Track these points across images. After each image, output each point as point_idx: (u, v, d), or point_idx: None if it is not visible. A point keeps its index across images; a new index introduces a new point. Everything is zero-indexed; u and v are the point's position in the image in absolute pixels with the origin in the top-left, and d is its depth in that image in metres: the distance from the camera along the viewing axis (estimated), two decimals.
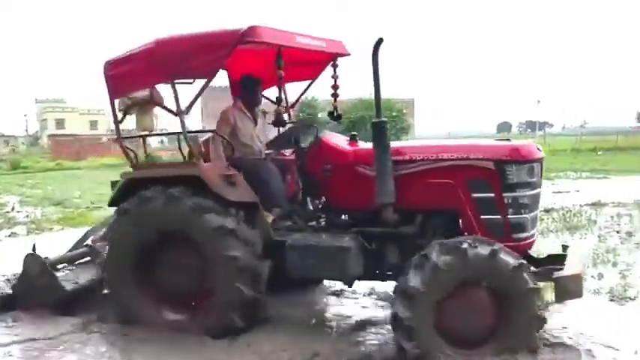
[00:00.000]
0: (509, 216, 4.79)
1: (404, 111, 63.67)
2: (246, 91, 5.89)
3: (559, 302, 4.96)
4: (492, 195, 4.79)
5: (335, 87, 6.13)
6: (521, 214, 4.80)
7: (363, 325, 5.45)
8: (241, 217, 5.05)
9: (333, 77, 6.07)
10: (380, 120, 4.90)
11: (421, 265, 4.29)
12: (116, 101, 5.62)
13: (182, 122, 5.24)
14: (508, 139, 5.50)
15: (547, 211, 11.74)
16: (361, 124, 57.70)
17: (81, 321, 5.63)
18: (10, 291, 5.95)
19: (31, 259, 5.83)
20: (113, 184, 5.86)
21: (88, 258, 6.36)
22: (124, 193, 5.37)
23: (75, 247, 6.45)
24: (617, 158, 30.64)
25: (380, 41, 4.80)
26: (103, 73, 5.40)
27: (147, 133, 6.10)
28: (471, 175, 4.84)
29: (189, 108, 5.28)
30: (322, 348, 4.88)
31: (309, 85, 6.41)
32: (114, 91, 5.47)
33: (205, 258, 5.03)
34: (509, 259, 4.28)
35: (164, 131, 9.22)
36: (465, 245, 4.28)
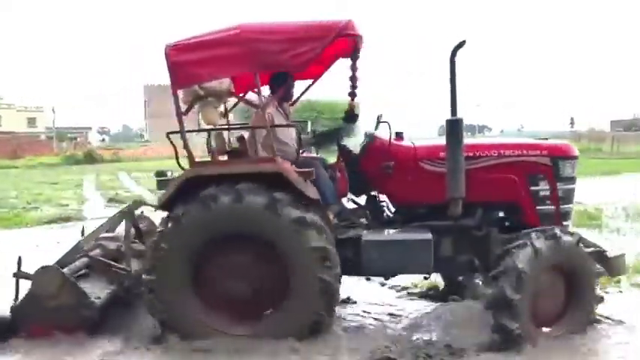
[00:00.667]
0: (560, 206, 5.35)
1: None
2: (279, 87, 5.57)
3: (612, 277, 5.68)
4: (547, 187, 5.32)
5: (353, 84, 5.74)
6: (568, 204, 5.45)
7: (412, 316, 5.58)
8: (318, 213, 4.86)
9: (351, 69, 5.62)
10: (455, 118, 5.03)
11: (521, 247, 4.71)
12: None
13: (263, 117, 5.00)
14: (546, 138, 5.84)
15: None
16: (306, 124, 58.10)
17: (118, 342, 4.89)
18: (7, 314, 4.97)
19: (48, 271, 4.94)
20: (159, 181, 5.66)
21: (84, 270, 5.51)
22: (180, 191, 4.84)
23: (67, 259, 5.37)
24: None
25: (462, 43, 4.93)
26: (165, 58, 4.81)
27: (212, 127, 5.60)
28: (530, 170, 5.32)
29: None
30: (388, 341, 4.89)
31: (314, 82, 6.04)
32: (180, 80, 4.91)
33: (282, 254, 4.74)
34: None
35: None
36: (559, 233, 4.79)
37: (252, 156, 5.17)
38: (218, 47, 4.81)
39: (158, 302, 4.79)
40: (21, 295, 5.06)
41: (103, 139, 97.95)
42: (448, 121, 5.06)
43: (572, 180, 5.44)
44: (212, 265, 4.87)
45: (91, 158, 41.72)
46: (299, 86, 6.02)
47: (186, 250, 4.76)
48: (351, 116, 5.64)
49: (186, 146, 4.97)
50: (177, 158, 5.16)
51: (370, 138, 5.56)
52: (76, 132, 76.33)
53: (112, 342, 4.89)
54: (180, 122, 4.97)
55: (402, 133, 5.61)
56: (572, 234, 4.96)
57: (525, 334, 4.62)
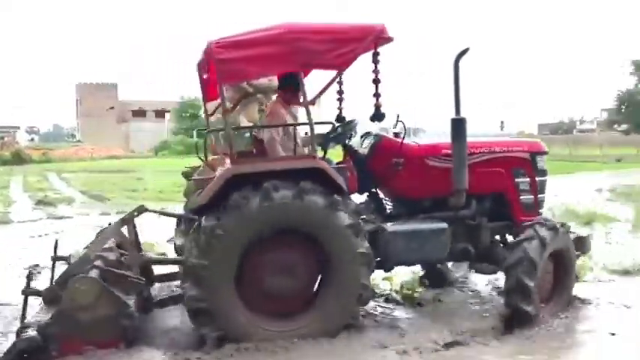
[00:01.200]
0: (538, 196, 6.04)
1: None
2: (290, 87, 5.59)
3: (583, 254, 6.30)
4: (528, 180, 5.99)
5: (376, 85, 5.49)
6: (543, 194, 6.16)
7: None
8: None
9: (374, 72, 5.42)
10: (459, 117, 5.49)
11: (530, 239, 5.35)
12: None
13: (308, 112, 5.04)
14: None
15: None
16: (191, 124, 57.67)
17: (164, 353, 4.67)
18: (34, 333, 4.48)
19: (85, 281, 4.61)
20: (186, 174, 5.71)
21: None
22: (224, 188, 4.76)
23: (76, 270, 4.94)
24: None
25: (465, 51, 5.40)
26: (210, 55, 4.88)
27: (254, 124, 5.64)
28: (514, 164, 5.98)
29: (315, 99, 5.15)
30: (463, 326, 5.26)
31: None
32: (226, 76, 4.98)
33: (331, 254, 4.90)
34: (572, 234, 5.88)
35: None
36: (557, 224, 5.56)
37: (274, 155, 5.25)
38: (263, 45, 4.87)
39: (201, 290, 4.67)
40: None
41: (32, 139, 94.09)
42: (453, 120, 5.51)
43: (545, 173, 6.17)
44: (257, 259, 4.88)
45: (18, 158, 40.13)
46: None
47: (239, 240, 4.74)
48: (377, 115, 5.55)
49: (230, 143, 4.88)
50: (205, 154, 5.27)
51: (379, 138, 5.93)
52: (3, 131, 73.17)
53: (159, 353, 4.69)
54: (226, 119, 4.97)
55: (399, 132, 5.92)
56: (563, 224, 5.71)
57: (537, 315, 5.31)
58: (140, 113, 69.69)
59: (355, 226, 4.89)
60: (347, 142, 5.82)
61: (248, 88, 5.40)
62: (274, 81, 5.40)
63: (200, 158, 5.46)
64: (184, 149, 53.99)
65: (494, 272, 6.05)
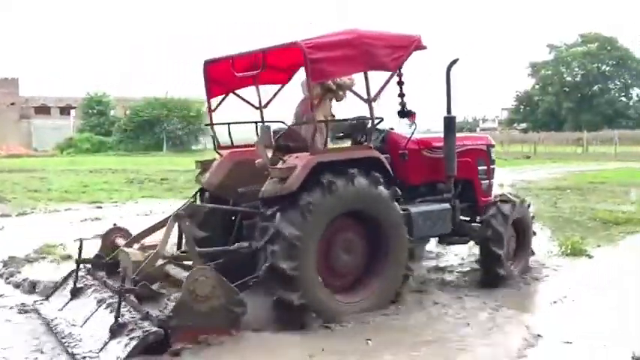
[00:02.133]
0: (491, 180, 7.34)
1: (202, 111, 63.05)
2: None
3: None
4: (485, 167, 7.26)
5: (400, 83, 6.52)
6: (493, 179, 7.45)
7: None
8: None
9: (398, 75, 6.33)
10: (450, 115, 6.65)
11: (496, 215, 6.75)
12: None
13: (371, 109, 5.77)
14: (392, 128, 7.12)
15: None
16: (156, 122, 56.35)
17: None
18: (157, 329, 4.58)
19: (202, 272, 4.82)
20: (200, 163, 6.41)
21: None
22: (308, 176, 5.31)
23: (148, 266, 5.19)
24: None
25: (456, 60, 6.57)
26: (303, 54, 5.31)
27: (327, 119, 6.17)
28: (478, 155, 7.22)
29: (376, 96, 5.80)
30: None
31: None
32: (316, 75, 5.50)
33: (387, 230, 5.75)
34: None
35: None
36: (514, 200, 6.99)
37: (312, 146, 5.62)
38: (343, 48, 5.54)
39: (293, 260, 5.14)
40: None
41: None
42: (445, 118, 6.65)
43: (494, 162, 7.54)
44: (331, 238, 5.56)
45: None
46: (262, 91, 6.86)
47: (325, 217, 5.38)
48: (404, 112, 6.61)
49: (314, 134, 5.49)
50: (274, 153, 5.72)
51: (387, 132, 6.80)
52: None
53: (270, 336, 5.03)
54: (314, 113, 5.62)
55: (392, 128, 6.90)
56: (523, 200, 7.22)
57: (508, 274, 6.76)
58: (44, 110, 66.28)
59: (401, 210, 5.86)
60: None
61: (332, 85, 6.13)
62: (352, 79, 6.14)
63: (217, 152, 6.42)
64: (91, 147, 52.07)
65: (465, 243, 7.33)
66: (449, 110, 6.70)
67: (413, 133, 6.71)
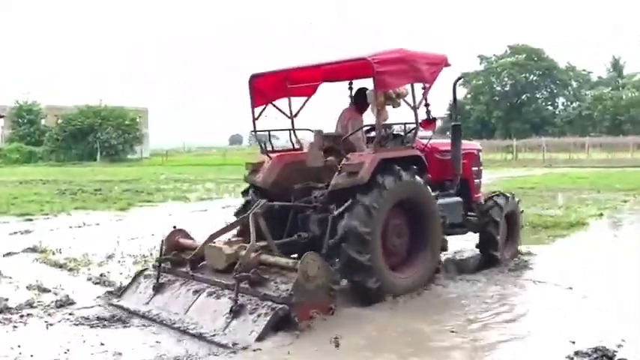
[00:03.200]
0: (480, 180, 8.65)
1: (137, 120, 61.92)
2: (360, 101, 7.60)
3: None
4: (477, 168, 8.49)
5: (426, 100, 7.20)
6: (481, 178, 8.72)
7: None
8: None
9: (424, 88, 7.04)
10: (457, 124, 7.93)
11: (493, 207, 7.98)
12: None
13: (416, 115, 6.83)
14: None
15: None
16: (90, 131, 54.87)
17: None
18: (281, 305, 5.31)
19: (311, 256, 5.58)
20: (250, 165, 7.28)
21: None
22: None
23: (246, 257, 5.88)
24: None
25: (460, 77, 7.91)
26: (371, 69, 6.23)
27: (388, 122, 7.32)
28: (472, 158, 8.35)
29: (419, 105, 6.88)
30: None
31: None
32: (380, 85, 6.52)
33: (427, 217, 6.73)
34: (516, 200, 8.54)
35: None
36: (508, 195, 8.34)
37: (360, 149, 6.93)
38: (397, 63, 6.52)
39: (366, 252, 6.02)
40: None
41: None
42: (453, 126, 7.92)
43: (482, 164, 8.84)
44: (387, 224, 6.43)
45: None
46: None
47: (382, 211, 6.21)
48: (429, 119, 7.37)
49: (381, 139, 6.58)
50: (339, 153, 6.72)
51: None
52: None
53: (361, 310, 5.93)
54: (379, 118, 6.85)
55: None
56: (514, 196, 8.49)
57: (502, 258, 7.93)
58: None
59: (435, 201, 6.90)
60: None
61: (392, 94, 7.16)
62: (407, 90, 7.01)
63: (267, 154, 7.28)
64: (21, 157, 50.18)
65: (464, 234, 8.15)
66: (455, 119, 8.18)
67: (430, 139, 7.73)
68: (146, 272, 6.70)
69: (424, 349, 5.09)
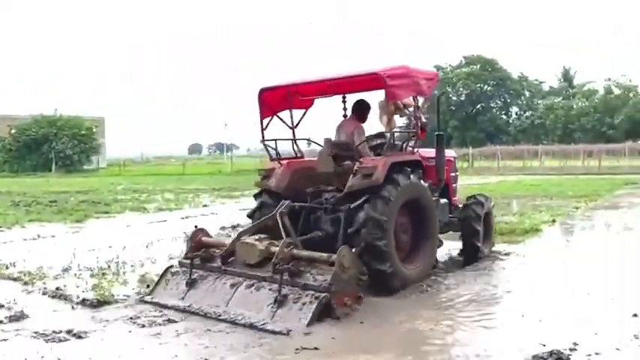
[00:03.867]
0: (457, 184, 9.52)
1: (94, 129, 60.76)
2: (360, 111, 8.18)
3: None
4: (454, 174, 9.43)
5: (437, 115, 8.74)
6: (457, 183, 9.60)
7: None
8: None
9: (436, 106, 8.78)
10: (441, 133, 8.45)
11: (475, 203, 8.96)
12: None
13: (417, 124, 7.72)
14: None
15: (234, 227, 12.67)
16: (45, 142, 53.62)
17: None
18: (324, 293, 5.91)
19: (346, 250, 6.19)
20: (262, 171, 8.01)
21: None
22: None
23: (281, 253, 6.33)
24: None
25: (443, 93, 10.45)
26: (384, 82, 7.04)
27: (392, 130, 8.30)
28: (450, 164, 9.09)
29: (420, 114, 7.92)
30: None
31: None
32: (391, 96, 7.43)
33: (426, 214, 7.52)
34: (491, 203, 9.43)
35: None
36: (487, 196, 9.39)
37: (367, 155, 7.62)
38: (403, 78, 7.33)
39: (385, 238, 6.72)
40: None
41: None
42: (437, 135, 8.40)
43: (457, 170, 9.82)
44: (396, 221, 7.08)
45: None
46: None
47: (395, 206, 6.92)
48: (423, 129, 8.13)
49: (391, 144, 7.53)
50: (346, 159, 7.58)
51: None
52: None
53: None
54: (390, 126, 8.12)
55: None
56: (488, 198, 9.32)
57: (482, 251, 8.85)
58: None
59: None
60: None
61: (400, 104, 7.90)
62: (412, 101, 7.86)
63: (278, 161, 7.93)
64: None
65: (445, 232, 8.65)
66: (439, 129, 8.69)
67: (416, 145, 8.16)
68: (172, 269, 7.08)
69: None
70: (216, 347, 5.25)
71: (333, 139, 8.06)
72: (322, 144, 7.93)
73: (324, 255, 6.30)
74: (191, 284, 6.67)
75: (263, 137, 8.01)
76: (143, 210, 17.82)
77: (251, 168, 49.20)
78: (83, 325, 5.96)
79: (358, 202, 6.85)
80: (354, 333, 5.64)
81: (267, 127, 8.03)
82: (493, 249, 9.43)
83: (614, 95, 69.94)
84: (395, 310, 6.29)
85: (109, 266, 8.71)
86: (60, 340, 5.55)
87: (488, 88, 79.55)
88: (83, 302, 6.75)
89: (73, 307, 6.62)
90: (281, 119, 8.26)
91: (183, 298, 6.55)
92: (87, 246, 10.62)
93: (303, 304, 5.86)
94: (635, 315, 5.90)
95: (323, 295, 5.87)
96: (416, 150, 7.80)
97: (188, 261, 6.92)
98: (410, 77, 7.41)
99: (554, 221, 13.34)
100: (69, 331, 5.75)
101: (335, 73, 7.84)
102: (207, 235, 7.40)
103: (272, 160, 8.00)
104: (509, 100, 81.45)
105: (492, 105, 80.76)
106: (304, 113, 8.55)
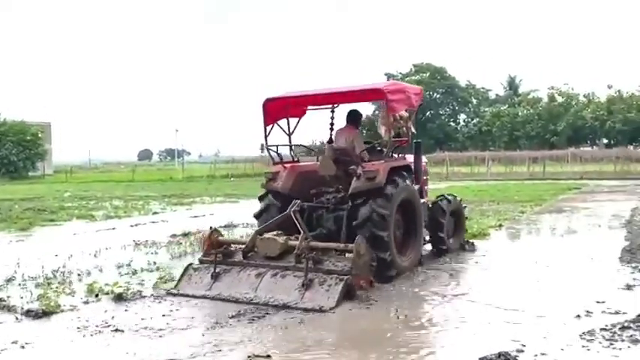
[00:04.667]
0: (428, 187, 10.47)
1: (39, 135, 59.00)
2: (354, 120, 9.27)
3: None
4: (426, 178, 10.26)
5: (416, 125, 9.20)
6: (427, 186, 10.51)
7: None
8: None
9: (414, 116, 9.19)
10: (419, 141, 9.55)
11: (442, 200, 9.93)
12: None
13: (409, 133, 8.71)
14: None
15: (185, 234, 12.56)
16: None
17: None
18: (347, 276, 6.78)
19: (361, 240, 7.02)
20: (268, 174, 8.79)
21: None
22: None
23: (300, 247, 7.23)
24: (246, 184, 34.02)
25: (421, 104, 9.64)
26: (384, 96, 8.11)
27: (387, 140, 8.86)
28: (425, 170, 10.07)
29: (415, 126, 8.96)
30: None
31: None
32: (391, 109, 8.21)
33: (416, 212, 8.58)
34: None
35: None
36: (455, 196, 10.41)
37: (357, 160, 8.37)
38: (399, 93, 8.44)
39: (386, 230, 7.71)
40: None
41: None
42: (415, 143, 9.32)
43: (428, 174, 10.73)
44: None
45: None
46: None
47: (394, 203, 7.91)
48: (418, 144, 9.52)
49: (391, 152, 8.49)
50: (346, 163, 8.37)
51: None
52: None
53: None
54: (390, 135, 8.47)
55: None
56: (456, 197, 10.36)
57: (451, 244, 9.94)
58: None
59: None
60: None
61: (398, 117, 8.42)
62: (407, 113, 8.57)
63: (283, 165, 8.78)
64: None
65: None
66: (417, 137, 9.49)
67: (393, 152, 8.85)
68: (194, 265, 7.81)
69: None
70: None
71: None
72: (314, 149, 8.91)
73: (341, 245, 7.33)
74: (216, 277, 7.32)
75: (267, 143, 8.86)
76: (91, 218, 17.41)
77: (203, 174, 48.93)
78: (28, 336, 5.80)
79: (361, 199, 7.78)
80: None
81: (269, 134, 8.81)
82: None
83: (557, 103, 72.27)
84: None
85: (54, 275, 8.52)
86: (3, 350, 5.40)
87: (437, 96, 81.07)
88: (27, 313, 6.56)
89: (17, 319, 6.45)
90: (280, 127, 9.10)
91: (210, 289, 7.20)
92: (32, 255, 10.34)
93: (329, 285, 6.71)
94: (578, 316, 6.14)
95: (347, 277, 6.74)
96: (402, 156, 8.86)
97: (209, 258, 7.64)
98: (403, 92, 8.53)
99: (500, 225, 13.70)
100: (13, 342, 5.61)
101: (336, 85, 9.10)
102: (220, 234, 8.27)
103: (275, 163, 8.84)
104: (457, 108, 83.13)
105: (441, 112, 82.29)
106: (298, 122, 9.39)
